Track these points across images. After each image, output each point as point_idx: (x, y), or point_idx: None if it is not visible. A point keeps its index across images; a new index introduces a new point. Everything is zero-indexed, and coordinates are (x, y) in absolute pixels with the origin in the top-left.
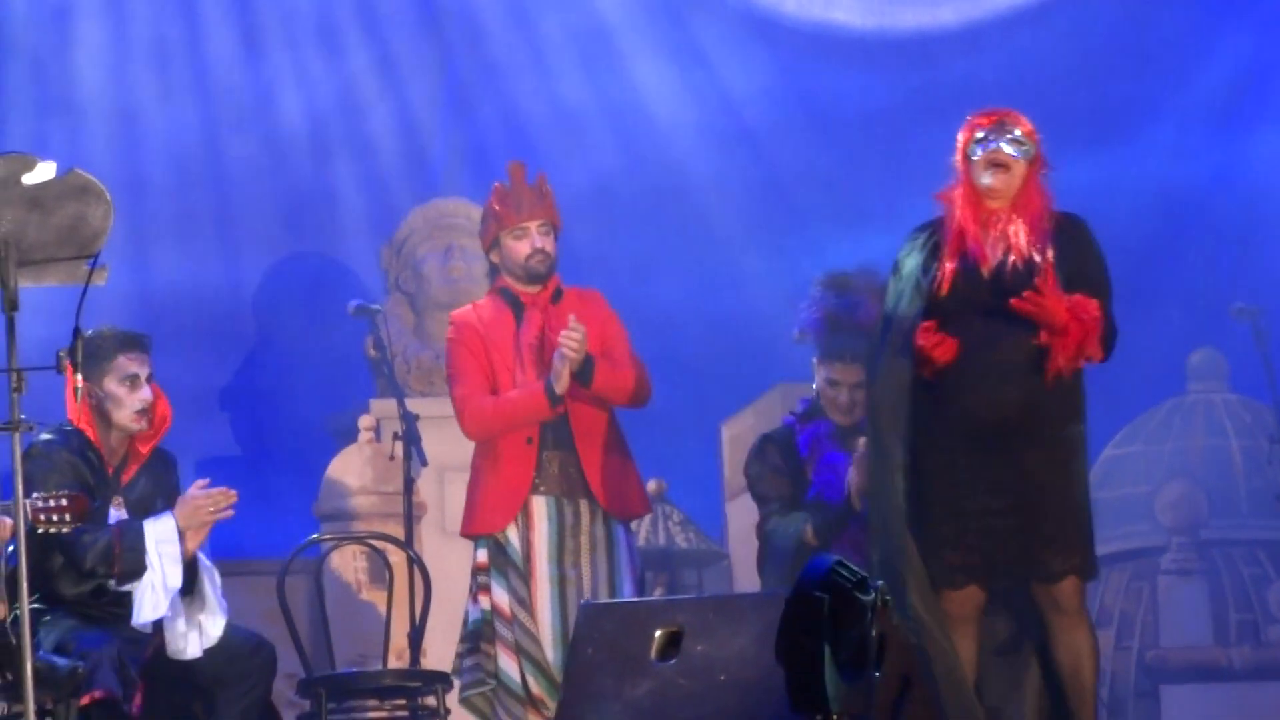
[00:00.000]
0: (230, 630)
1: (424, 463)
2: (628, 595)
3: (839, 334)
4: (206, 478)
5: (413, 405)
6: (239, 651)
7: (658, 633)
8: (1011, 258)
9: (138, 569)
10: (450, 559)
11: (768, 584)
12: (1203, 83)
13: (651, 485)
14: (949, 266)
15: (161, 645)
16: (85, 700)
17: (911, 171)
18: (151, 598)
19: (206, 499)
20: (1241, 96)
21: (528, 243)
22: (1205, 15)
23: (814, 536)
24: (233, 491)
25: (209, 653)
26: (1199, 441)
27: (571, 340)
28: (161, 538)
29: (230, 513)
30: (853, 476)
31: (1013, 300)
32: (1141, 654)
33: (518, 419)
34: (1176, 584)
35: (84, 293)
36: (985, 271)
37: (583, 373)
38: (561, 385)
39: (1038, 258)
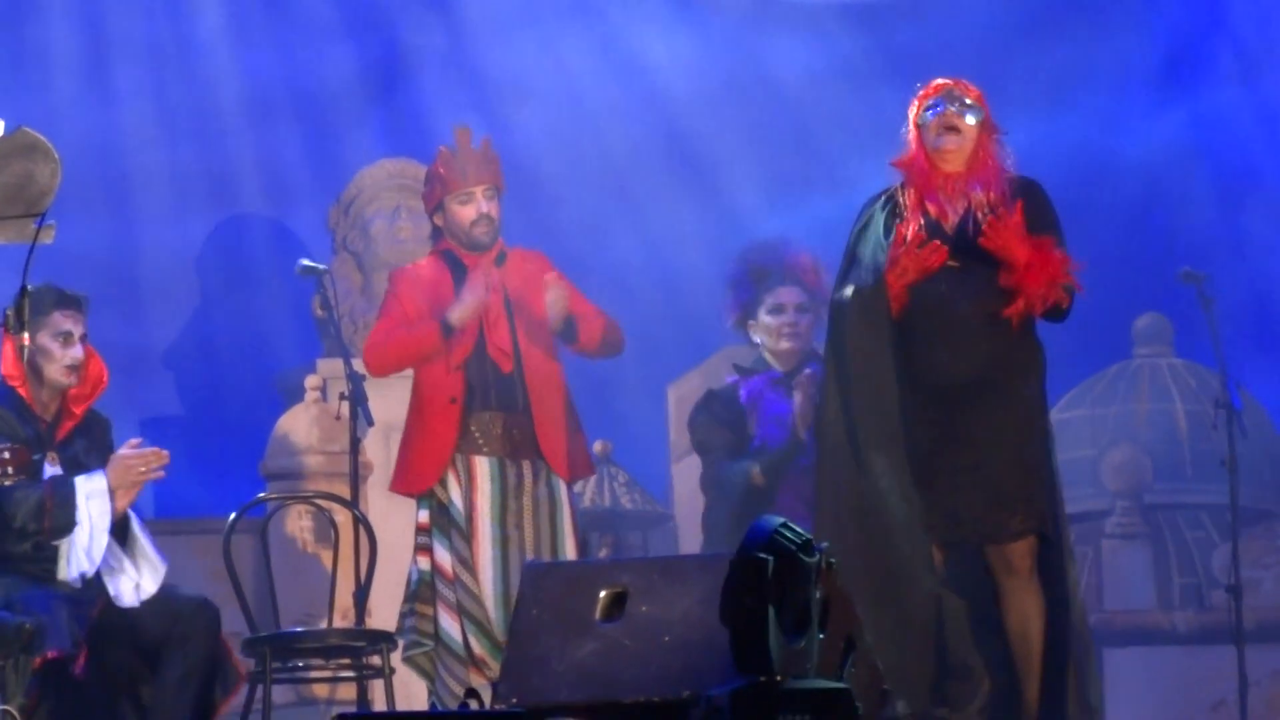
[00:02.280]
0: (173, 591)
1: (370, 422)
2: (570, 556)
3: (769, 277)
4: (139, 437)
5: (359, 365)
6: (182, 612)
7: (602, 593)
8: (973, 216)
9: (68, 524)
10: (396, 519)
11: (709, 529)
12: (1141, 48)
13: (597, 447)
14: (911, 226)
15: (106, 605)
16: (38, 661)
17: (855, 135)
18: (80, 552)
19: (138, 458)
20: (1180, 61)
21: (473, 208)
22: None
23: (760, 476)
24: (164, 452)
25: (152, 614)
26: (1144, 405)
27: (558, 301)
28: (92, 494)
29: (162, 473)
30: (797, 408)
31: (981, 236)
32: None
33: (409, 350)
34: (1121, 547)
35: (31, 251)
36: (947, 229)
37: (567, 331)
38: (459, 315)
39: (1000, 213)
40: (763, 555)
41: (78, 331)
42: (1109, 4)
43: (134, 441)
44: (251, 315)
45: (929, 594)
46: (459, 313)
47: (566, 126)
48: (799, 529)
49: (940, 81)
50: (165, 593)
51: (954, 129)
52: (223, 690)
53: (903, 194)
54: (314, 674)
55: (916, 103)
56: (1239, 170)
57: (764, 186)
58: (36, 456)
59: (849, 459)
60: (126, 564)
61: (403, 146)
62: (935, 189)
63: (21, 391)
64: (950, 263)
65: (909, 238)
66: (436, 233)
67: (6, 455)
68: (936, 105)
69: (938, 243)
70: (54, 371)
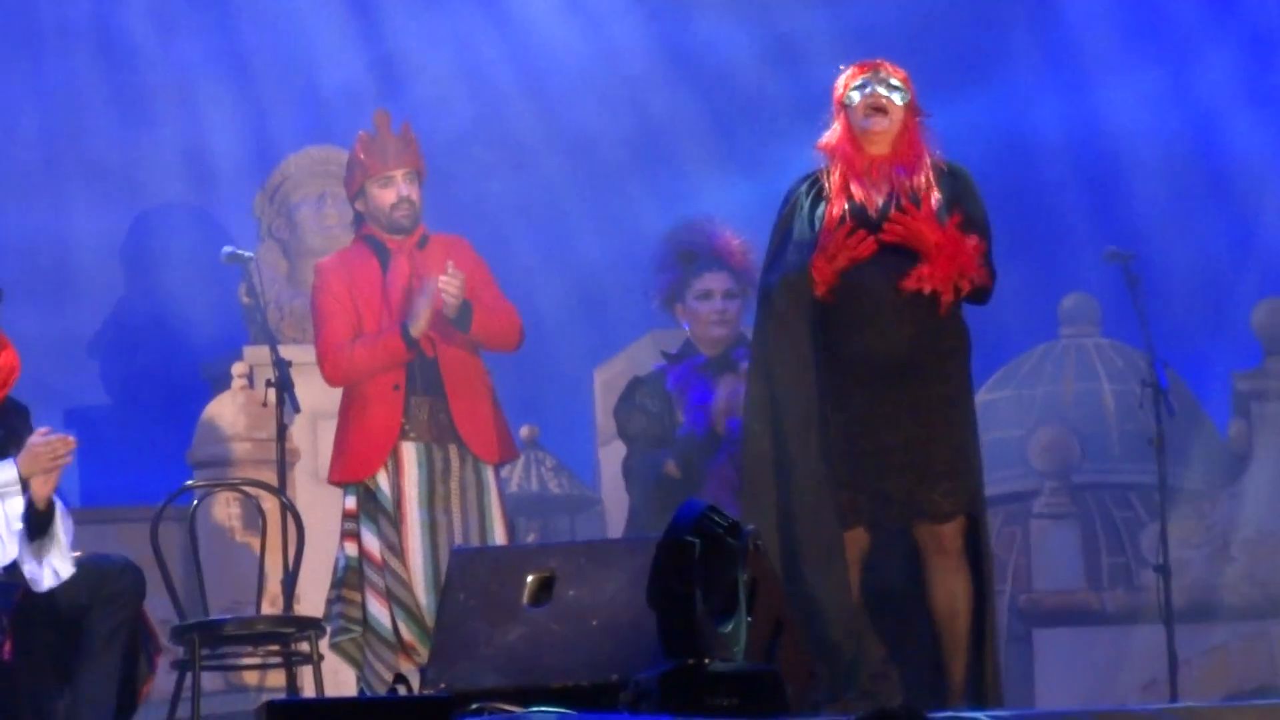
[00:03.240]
0: (95, 556)
1: (297, 409)
2: (498, 540)
3: (696, 260)
4: (47, 426)
5: (286, 352)
6: (106, 573)
7: (530, 578)
8: (897, 199)
9: None
10: (323, 505)
11: (631, 521)
12: (1057, 28)
13: (524, 431)
14: (835, 209)
15: (28, 589)
16: None
17: (775, 118)
18: None
19: (46, 446)
20: (1096, 41)
21: (393, 191)
22: None
23: (676, 470)
24: (70, 437)
25: (75, 582)
26: (1071, 386)
27: (451, 285)
28: (3, 483)
29: (70, 459)
30: (719, 399)
31: (882, 234)
32: (1014, 598)
33: (376, 364)
34: (1049, 528)
35: None
36: (872, 213)
37: (461, 318)
38: (418, 327)
39: (924, 198)
40: (690, 538)
41: None
42: None
43: (42, 430)
44: (177, 303)
45: (842, 578)
46: (416, 325)
47: (492, 110)
48: (726, 513)
49: (866, 62)
50: (90, 559)
51: (881, 110)
52: (147, 659)
53: (827, 177)
54: (243, 661)
55: (841, 83)
56: (1162, 149)
57: (689, 169)
58: None
59: (771, 442)
60: (39, 554)
61: (328, 133)
62: (860, 172)
63: None
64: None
65: (833, 222)
66: (358, 218)
67: None
68: (863, 86)
69: (865, 233)
70: None
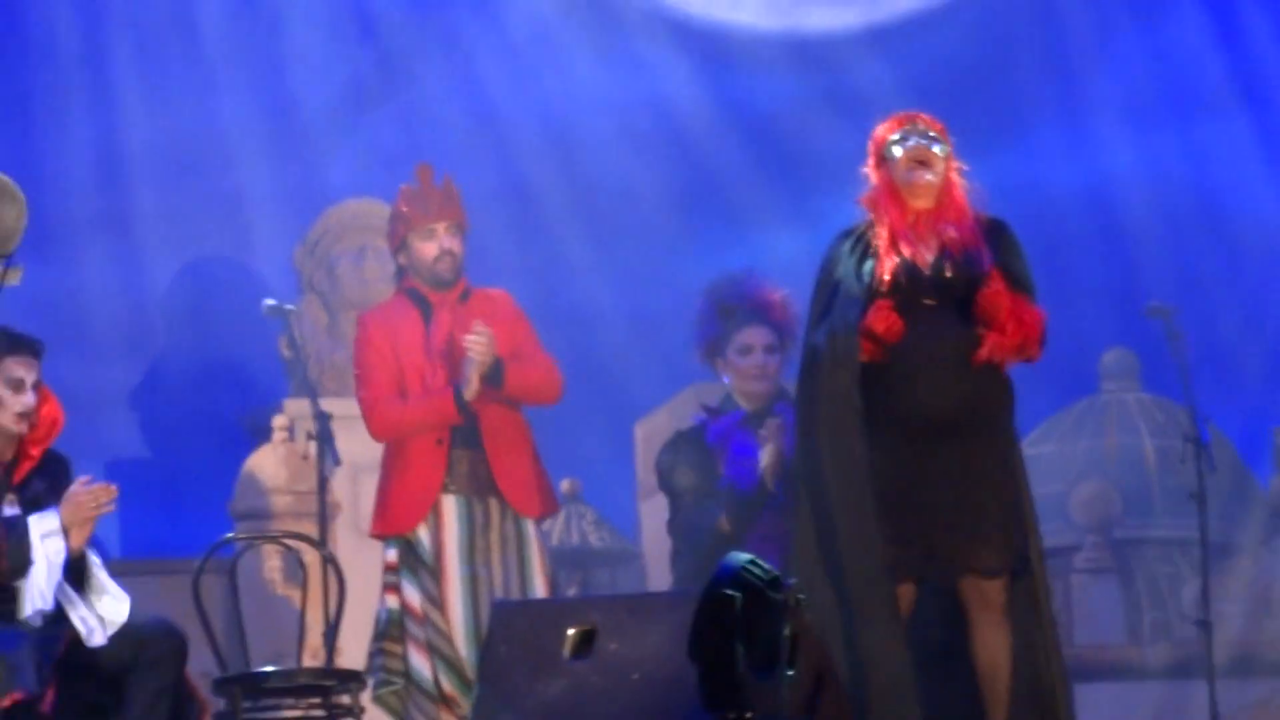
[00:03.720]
0: (139, 618)
1: (337, 462)
2: (539, 594)
3: (736, 314)
4: (89, 475)
5: (326, 404)
6: (148, 638)
7: (571, 631)
8: (949, 255)
9: (23, 565)
10: (364, 558)
11: (680, 577)
12: (1101, 83)
13: (565, 485)
14: (887, 264)
15: (73, 641)
16: (7, 702)
17: (816, 171)
18: (35, 590)
19: (88, 495)
20: (1141, 96)
21: (435, 244)
22: (1104, 15)
23: (727, 524)
24: (113, 486)
25: (117, 641)
26: (1112, 440)
27: (478, 345)
28: (46, 531)
29: (112, 507)
30: (765, 457)
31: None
32: None
33: (426, 424)
34: (1090, 583)
35: None
36: (925, 269)
37: (493, 375)
38: (471, 391)
39: (974, 253)
40: (730, 592)
41: (30, 379)
42: (1062, 41)
43: (83, 479)
44: (218, 355)
45: (891, 635)
46: (470, 389)
47: (533, 165)
48: (766, 565)
49: (903, 114)
50: (129, 620)
51: (925, 163)
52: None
53: (872, 232)
54: (284, 714)
55: (880, 136)
56: (1203, 203)
57: (729, 223)
58: None
59: (820, 501)
60: (86, 601)
61: (369, 186)
62: (907, 228)
63: None
64: (927, 301)
65: (888, 281)
66: (400, 271)
67: None
68: (904, 139)
69: (896, 319)
70: (4, 418)
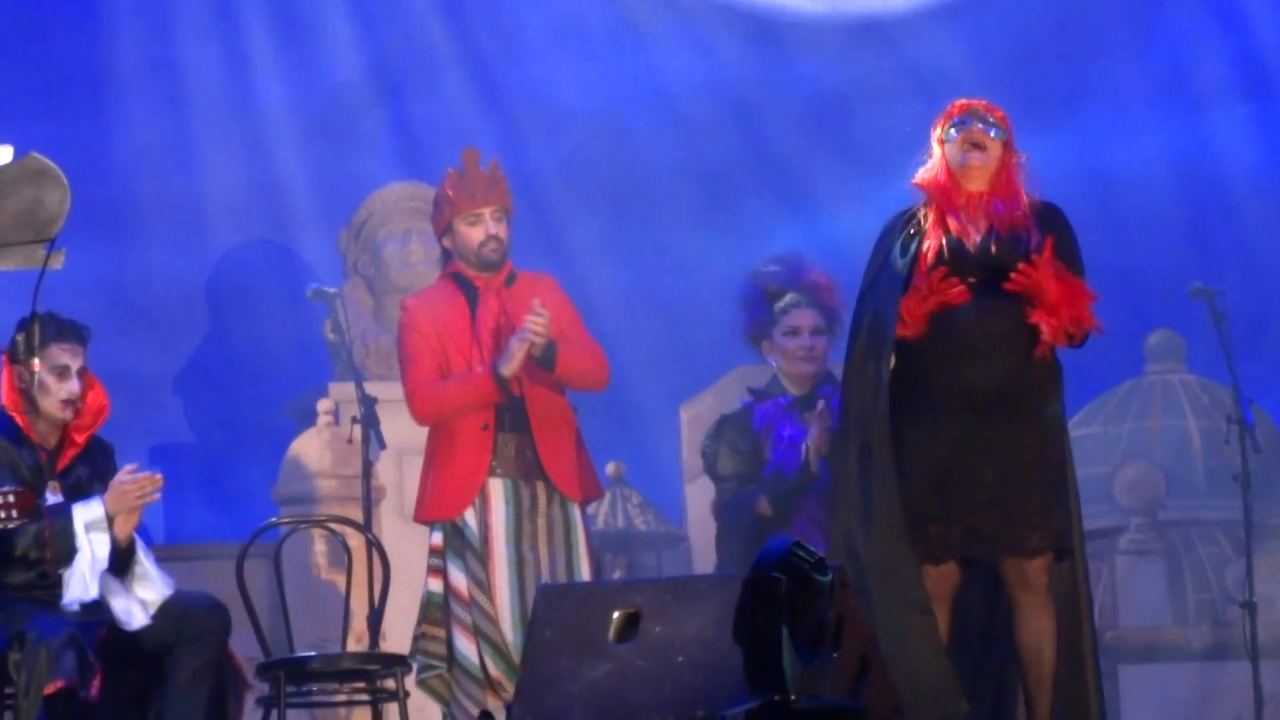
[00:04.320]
0: (181, 593)
1: (382, 446)
2: (585, 577)
3: (783, 296)
4: (135, 463)
5: (371, 389)
6: (191, 613)
7: (616, 614)
8: (996, 234)
9: (68, 553)
10: (409, 542)
11: (724, 561)
12: (1146, 65)
13: (610, 468)
14: (933, 243)
15: (113, 625)
16: (49, 690)
17: (860, 154)
18: (80, 579)
19: (133, 484)
20: (1186, 78)
21: (481, 229)
22: None
23: (770, 509)
24: (158, 475)
25: (159, 618)
26: (1157, 422)
27: (537, 324)
28: (90, 521)
29: (158, 496)
30: (810, 439)
31: (1007, 284)
32: (1101, 634)
33: (466, 403)
34: (1135, 564)
35: (40, 277)
36: (970, 247)
37: (546, 357)
38: (510, 368)
39: (1023, 234)
40: (776, 575)
41: (75, 365)
42: (1109, 23)
43: (130, 467)
44: (262, 340)
45: (922, 613)
46: (509, 366)
47: (578, 148)
48: (812, 548)
49: (966, 101)
50: (175, 597)
51: (979, 146)
52: (235, 697)
53: (924, 213)
54: (329, 698)
55: (941, 120)
56: (1249, 185)
57: (775, 205)
58: (39, 500)
59: (856, 479)
60: (128, 589)
61: (413, 169)
62: (957, 207)
63: (20, 421)
64: (971, 280)
65: (930, 258)
66: (446, 255)
67: (11, 499)
68: (962, 123)
69: (957, 279)
70: (49, 405)
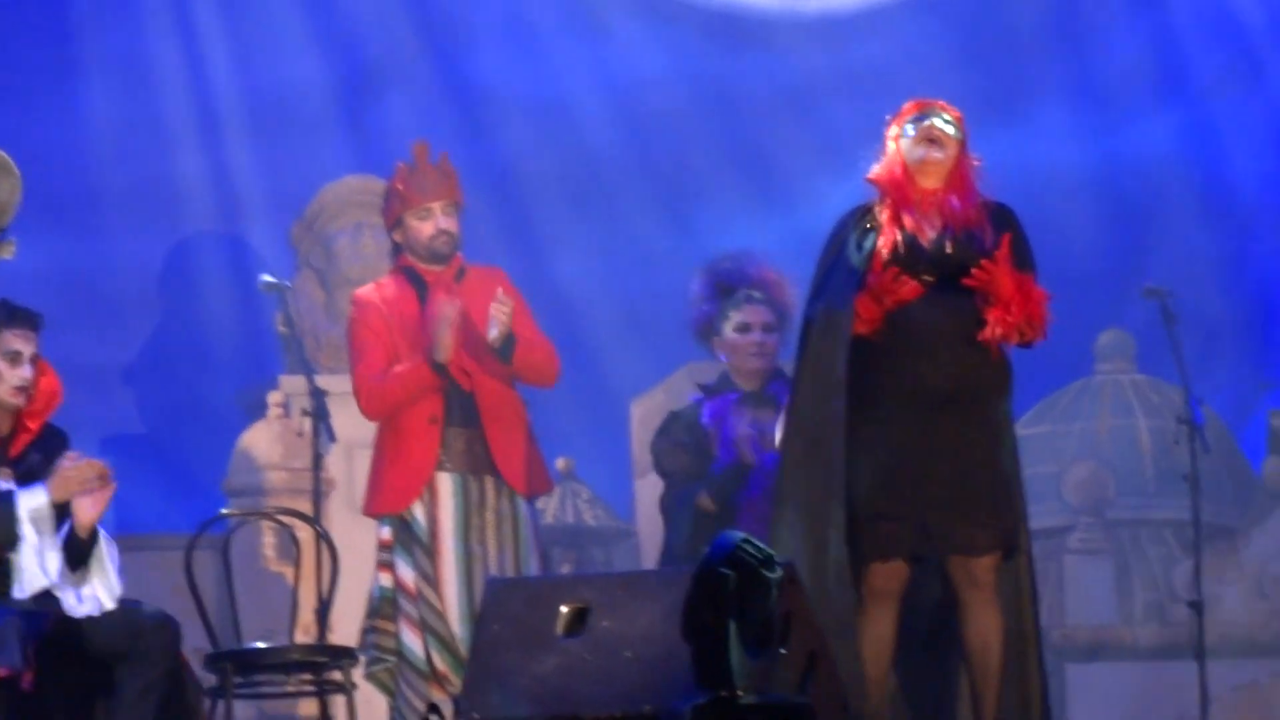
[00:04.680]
0: (133, 607)
1: (333, 439)
2: (533, 572)
3: (734, 292)
4: (78, 450)
5: (322, 382)
6: (142, 628)
7: (564, 609)
8: (951, 232)
9: (9, 540)
10: (358, 535)
11: (663, 555)
12: (1097, 64)
13: (560, 463)
14: (888, 239)
15: (62, 620)
16: None
17: (815, 150)
18: (29, 568)
19: (75, 470)
20: (1137, 78)
21: (432, 223)
22: None
23: (709, 503)
24: (99, 463)
25: (111, 629)
26: (1106, 422)
27: (501, 314)
28: (34, 508)
29: (112, 484)
30: (752, 432)
31: (966, 279)
32: (1048, 633)
33: (408, 391)
34: (1083, 563)
35: None
36: (925, 244)
37: (504, 349)
38: (442, 353)
39: (977, 233)
40: (724, 570)
41: (27, 351)
42: (1063, 21)
43: (71, 454)
44: (213, 331)
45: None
46: (441, 352)
47: (529, 142)
48: (761, 544)
49: (923, 99)
50: (125, 609)
51: (937, 142)
52: (183, 710)
53: (878, 208)
54: (276, 690)
55: (897, 118)
56: (1201, 185)
57: (727, 202)
58: None
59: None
60: (80, 580)
61: (366, 163)
62: (913, 203)
63: None
64: (926, 278)
65: (886, 254)
66: (396, 249)
67: None
68: (919, 119)
69: (909, 277)
70: (2, 391)
